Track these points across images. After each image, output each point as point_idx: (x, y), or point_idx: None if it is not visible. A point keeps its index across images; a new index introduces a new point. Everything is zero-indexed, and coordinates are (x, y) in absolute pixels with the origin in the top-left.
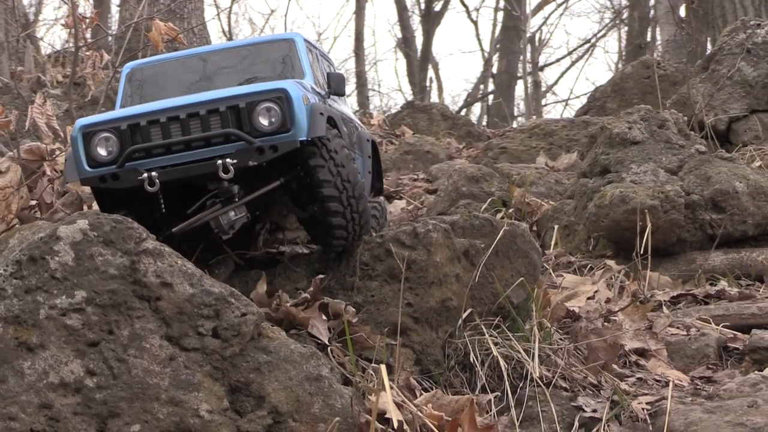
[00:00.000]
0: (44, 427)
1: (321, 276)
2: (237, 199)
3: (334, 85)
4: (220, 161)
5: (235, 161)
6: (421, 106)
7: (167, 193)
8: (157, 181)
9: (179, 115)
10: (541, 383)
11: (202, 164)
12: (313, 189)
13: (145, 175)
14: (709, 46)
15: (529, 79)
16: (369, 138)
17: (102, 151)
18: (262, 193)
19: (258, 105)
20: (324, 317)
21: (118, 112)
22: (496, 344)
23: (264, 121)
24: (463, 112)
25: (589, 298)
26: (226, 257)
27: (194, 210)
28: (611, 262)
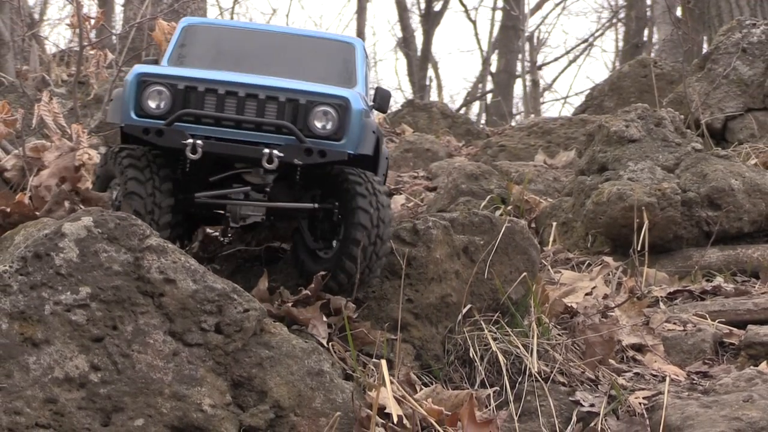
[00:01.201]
0: (49, 422)
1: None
2: (263, 197)
3: (380, 101)
4: (267, 150)
5: (281, 155)
6: (421, 104)
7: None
8: (200, 150)
9: (238, 91)
10: (539, 378)
11: (249, 147)
12: (346, 218)
13: (190, 140)
14: (705, 46)
15: (528, 78)
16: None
17: (152, 103)
18: (289, 208)
19: (317, 106)
20: (324, 317)
21: (177, 70)
22: (495, 340)
23: (318, 124)
24: (462, 111)
25: (586, 294)
26: (230, 253)
27: (218, 180)
28: (609, 259)
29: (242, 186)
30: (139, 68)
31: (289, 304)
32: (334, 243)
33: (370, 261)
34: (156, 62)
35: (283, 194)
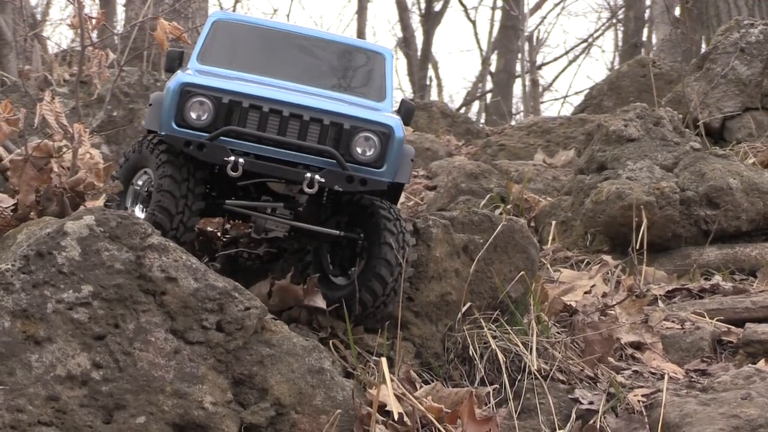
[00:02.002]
0: (51, 419)
1: (317, 274)
2: (290, 215)
3: (405, 115)
4: (308, 174)
5: (323, 180)
6: (421, 104)
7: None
8: (241, 168)
9: (282, 111)
10: (538, 376)
11: (291, 170)
12: (371, 251)
13: (233, 158)
14: (703, 46)
15: (527, 78)
16: None
17: (194, 114)
18: (313, 231)
19: (360, 132)
20: (318, 290)
21: (222, 82)
22: (494, 338)
23: (360, 150)
24: (462, 110)
25: (586, 293)
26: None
27: (246, 186)
28: (608, 257)
29: (269, 196)
30: (184, 77)
31: (285, 282)
32: (350, 272)
33: (387, 297)
34: (182, 55)
35: (309, 215)
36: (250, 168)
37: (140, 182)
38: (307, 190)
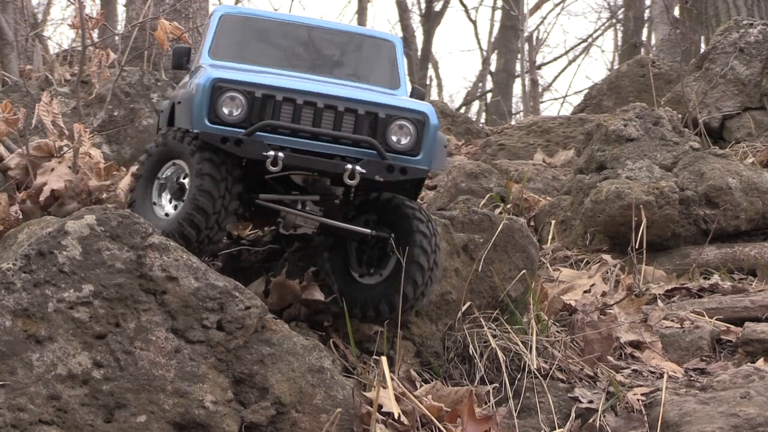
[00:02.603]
0: (52, 418)
1: (313, 269)
2: (320, 211)
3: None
4: (349, 166)
5: (364, 171)
6: None
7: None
8: (281, 162)
9: (317, 102)
10: (538, 375)
11: (331, 162)
12: (406, 254)
13: (272, 153)
14: (702, 45)
15: (527, 78)
16: None
17: (227, 110)
18: (344, 229)
19: (396, 120)
20: (315, 284)
21: (254, 76)
22: (494, 337)
23: (395, 138)
24: (462, 110)
25: (585, 292)
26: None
27: (276, 179)
28: (607, 257)
29: (296, 190)
30: (215, 73)
31: (281, 278)
32: (381, 272)
33: (416, 301)
34: (189, 51)
35: (338, 212)
36: (289, 162)
37: (167, 174)
38: (348, 181)
